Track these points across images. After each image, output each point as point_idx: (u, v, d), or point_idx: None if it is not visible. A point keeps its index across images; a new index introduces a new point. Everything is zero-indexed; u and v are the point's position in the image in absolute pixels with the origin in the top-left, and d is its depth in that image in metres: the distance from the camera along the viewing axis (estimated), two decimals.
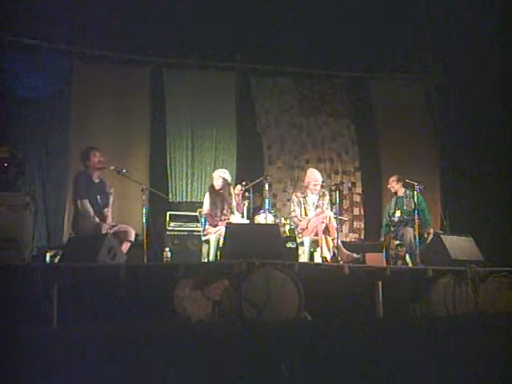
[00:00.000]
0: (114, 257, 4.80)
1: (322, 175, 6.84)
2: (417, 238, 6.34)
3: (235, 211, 6.35)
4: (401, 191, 7.05)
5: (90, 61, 7.65)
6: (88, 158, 5.76)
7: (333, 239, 6.07)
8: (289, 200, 7.62)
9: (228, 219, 6.18)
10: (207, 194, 6.44)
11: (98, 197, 5.76)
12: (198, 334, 3.84)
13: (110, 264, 4.70)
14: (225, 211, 6.29)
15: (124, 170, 6.00)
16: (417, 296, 5.32)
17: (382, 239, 7.03)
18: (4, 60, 7.05)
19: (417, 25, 8.08)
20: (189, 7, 7.36)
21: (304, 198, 6.53)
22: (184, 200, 7.86)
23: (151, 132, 7.94)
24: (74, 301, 4.33)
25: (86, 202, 5.62)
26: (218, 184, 6.37)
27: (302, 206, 6.48)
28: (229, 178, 6.48)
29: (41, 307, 4.21)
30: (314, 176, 6.60)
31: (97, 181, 5.81)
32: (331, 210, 6.38)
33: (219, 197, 6.35)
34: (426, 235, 6.62)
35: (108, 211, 5.79)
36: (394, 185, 7.11)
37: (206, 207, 6.33)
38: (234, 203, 6.34)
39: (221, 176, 6.40)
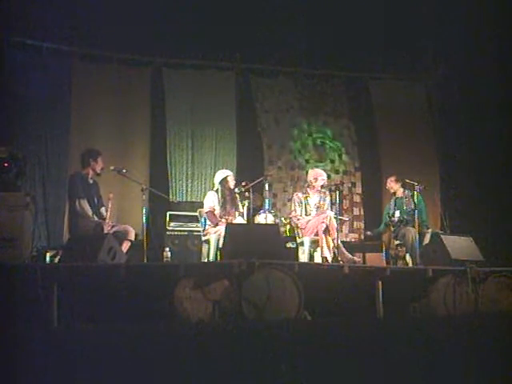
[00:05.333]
0: (114, 257, 4.80)
1: None
2: (417, 237, 6.35)
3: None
4: (399, 191, 7.05)
5: (90, 61, 7.66)
6: (95, 160, 5.77)
7: (333, 239, 6.07)
8: (289, 200, 7.63)
9: (232, 219, 6.17)
10: (213, 193, 6.36)
11: (95, 197, 5.77)
12: (198, 333, 3.84)
13: (109, 264, 4.70)
14: (231, 211, 6.27)
15: (124, 170, 6.00)
16: (417, 296, 5.31)
17: (380, 232, 7.08)
18: (4, 60, 7.05)
19: (417, 25, 8.08)
20: (189, 7, 7.36)
21: (306, 198, 6.53)
22: (184, 200, 7.85)
23: (151, 132, 7.94)
24: (74, 301, 4.33)
25: (84, 202, 5.62)
26: (231, 183, 6.36)
27: (304, 205, 6.48)
28: None
29: (41, 307, 4.21)
30: (318, 171, 6.67)
31: (91, 182, 5.82)
32: (331, 210, 6.39)
33: (232, 195, 6.32)
34: (423, 236, 6.62)
35: (104, 211, 5.79)
36: (393, 185, 7.11)
37: (210, 205, 6.27)
38: (240, 205, 6.36)
39: (232, 177, 6.41)
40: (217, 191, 6.35)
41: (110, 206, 5.82)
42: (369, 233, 7.47)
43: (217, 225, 6.11)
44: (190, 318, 4.48)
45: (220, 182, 6.37)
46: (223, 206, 6.26)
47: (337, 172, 8.53)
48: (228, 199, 6.30)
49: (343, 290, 5.06)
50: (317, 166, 7.88)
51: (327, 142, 8.60)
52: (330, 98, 8.66)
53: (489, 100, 7.78)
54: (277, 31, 7.71)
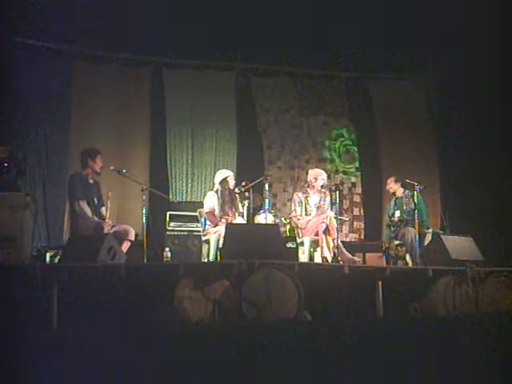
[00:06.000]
0: (113, 257, 4.79)
1: None
2: (417, 237, 6.35)
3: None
4: (399, 191, 7.06)
5: (90, 61, 7.68)
6: (94, 160, 5.75)
7: (333, 239, 6.07)
8: (289, 200, 7.64)
9: (231, 219, 6.17)
10: (213, 193, 6.36)
11: (95, 198, 5.76)
12: (198, 333, 3.84)
13: (109, 264, 4.70)
14: (230, 211, 6.27)
15: (124, 170, 6.00)
16: (417, 296, 5.32)
17: (385, 242, 7.00)
18: (4, 60, 7.05)
19: (417, 25, 8.07)
20: (189, 7, 7.36)
21: (306, 198, 6.53)
22: (184, 200, 7.86)
23: (151, 132, 7.95)
24: (74, 301, 4.33)
25: (84, 203, 5.62)
26: (231, 184, 6.36)
27: (304, 205, 6.49)
28: None
29: (41, 307, 4.21)
30: (318, 171, 6.67)
31: (91, 181, 5.81)
32: (331, 210, 6.39)
33: (231, 196, 6.33)
34: (423, 236, 6.61)
35: (105, 211, 5.79)
36: (393, 185, 7.12)
37: (210, 205, 6.27)
38: (240, 205, 6.36)
39: (233, 177, 6.42)
40: (216, 191, 6.35)
41: (108, 204, 5.82)
42: (387, 245, 7.33)
43: (217, 225, 6.10)
44: (190, 318, 4.47)
45: (220, 183, 6.37)
46: (222, 206, 6.25)
47: (337, 172, 8.54)
48: (227, 200, 6.29)
49: (343, 290, 5.06)
50: (317, 166, 7.88)
51: (327, 141, 8.61)
52: (330, 98, 8.67)
53: (489, 100, 7.78)
54: (277, 31, 7.70)
